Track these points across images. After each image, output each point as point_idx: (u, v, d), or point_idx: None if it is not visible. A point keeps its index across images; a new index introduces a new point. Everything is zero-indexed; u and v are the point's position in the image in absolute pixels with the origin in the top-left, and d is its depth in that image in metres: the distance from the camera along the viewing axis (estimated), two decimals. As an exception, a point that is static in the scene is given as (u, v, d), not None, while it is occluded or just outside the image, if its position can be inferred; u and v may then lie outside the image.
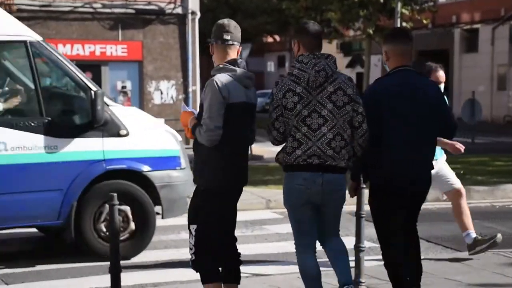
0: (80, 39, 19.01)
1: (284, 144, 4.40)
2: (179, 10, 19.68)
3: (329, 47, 39.33)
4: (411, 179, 4.36)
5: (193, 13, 19.82)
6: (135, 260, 6.86)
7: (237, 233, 8.11)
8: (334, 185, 4.32)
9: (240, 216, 9.39)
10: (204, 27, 25.72)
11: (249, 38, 31.27)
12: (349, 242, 6.17)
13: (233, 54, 4.43)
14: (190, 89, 20.11)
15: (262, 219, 9.00)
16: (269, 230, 8.38)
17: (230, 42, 4.41)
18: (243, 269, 6.48)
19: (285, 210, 10.04)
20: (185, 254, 7.07)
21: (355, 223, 5.74)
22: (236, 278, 4.63)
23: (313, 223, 4.43)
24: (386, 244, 4.53)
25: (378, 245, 7.30)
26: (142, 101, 19.27)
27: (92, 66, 19.19)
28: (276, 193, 10.28)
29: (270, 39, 47.12)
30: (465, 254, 6.67)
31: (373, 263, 6.36)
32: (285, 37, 44.48)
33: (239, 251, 4.67)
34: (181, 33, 19.85)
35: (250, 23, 32.07)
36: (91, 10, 18.97)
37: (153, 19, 19.61)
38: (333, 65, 4.36)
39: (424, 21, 25.31)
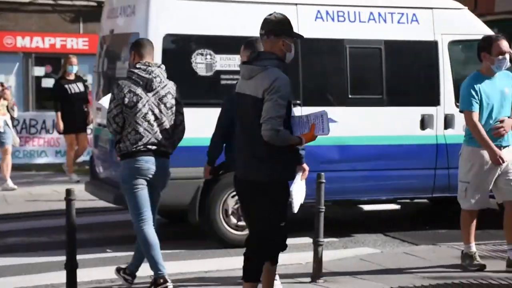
0: (40, 31, 18.71)
1: (122, 136, 5.16)
2: (141, 3, 19.55)
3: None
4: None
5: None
6: (92, 255, 6.80)
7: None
8: (165, 167, 5.26)
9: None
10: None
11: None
12: (308, 236, 6.26)
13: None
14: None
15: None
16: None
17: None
18: (202, 264, 6.52)
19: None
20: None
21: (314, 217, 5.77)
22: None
23: (148, 199, 5.22)
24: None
25: (336, 240, 7.45)
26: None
27: (52, 59, 18.88)
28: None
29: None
30: (421, 248, 6.79)
31: (332, 257, 6.43)
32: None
33: None
34: (143, 27, 19.69)
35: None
36: (51, 2, 18.69)
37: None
38: (164, 72, 5.26)
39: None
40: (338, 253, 6.85)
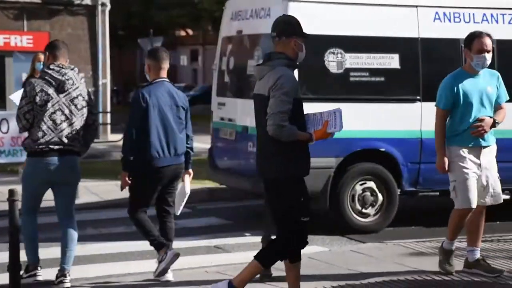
0: (-17, 28, 18.26)
1: (31, 132, 5.37)
2: (88, 1, 19.22)
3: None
4: None
5: (103, 4, 19.41)
6: (47, 256, 6.66)
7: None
8: (72, 165, 5.49)
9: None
10: (115, 19, 25.28)
11: (162, 31, 30.94)
12: (257, 234, 6.28)
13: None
14: (100, 82, 19.72)
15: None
16: (178, 224, 8.30)
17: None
18: (150, 265, 6.47)
19: (194, 204, 10.06)
20: (91, 250, 6.96)
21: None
22: None
23: (40, 198, 5.61)
24: None
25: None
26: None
27: (-4, 56, 18.49)
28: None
29: (182, 33, 46.83)
30: (368, 246, 6.88)
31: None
32: (198, 31, 44.30)
33: None
34: (91, 25, 19.41)
35: (163, 16, 31.73)
36: (-6, -2, 18.26)
37: (60, 10, 19.07)
38: (77, 75, 5.50)
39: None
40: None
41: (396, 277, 5.52)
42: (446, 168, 5.45)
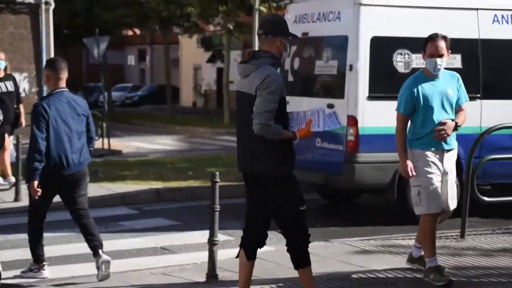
0: None
1: None
2: (31, 0, 18.85)
3: (189, 42, 39.42)
4: None
5: (47, 3, 19.04)
6: None
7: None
8: None
9: (95, 213, 9.20)
10: (59, 18, 24.80)
11: (108, 30, 30.53)
12: (204, 236, 6.26)
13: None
14: (44, 82, 19.34)
15: (118, 215, 8.87)
16: (124, 226, 8.27)
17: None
18: (94, 267, 6.38)
19: (140, 205, 9.96)
20: (53, 251, 6.82)
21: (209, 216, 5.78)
22: None
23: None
24: None
25: (232, 238, 7.50)
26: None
27: None
28: (132, 188, 10.15)
29: (130, 32, 46.34)
30: (314, 244, 6.93)
31: (228, 256, 6.45)
32: (145, 31, 43.90)
33: None
34: (34, 24, 19.01)
35: (109, 15, 31.32)
36: None
37: (2, 8, 18.63)
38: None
39: (281, 19, 25.97)
40: (234, 252, 6.86)
41: (342, 276, 5.59)
42: (411, 173, 5.34)
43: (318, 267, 5.91)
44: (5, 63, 10.05)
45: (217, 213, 5.80)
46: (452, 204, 5.52)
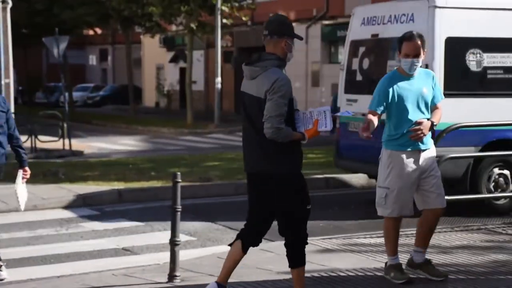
0: None
1: None
2: (-12, -2, 18.50)
3: (152, 42, 39.15)
4: None
5: (4, 1, 18.70)
6: None
7: (51, 231, 7.91)
8: None
9: (55, 214, 9.09)
10: (18, 17, 24.40)
11: (68, 30, 30.12)
12: (167, 236, 6.23)
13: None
14: (2, 82, 19.00)
15: (79, 217, 8.76)
16: (85, 227, 8.18)
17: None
18: (55, 268, 6.31)
19: (102, 206, 9.87)
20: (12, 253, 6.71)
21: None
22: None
23: None
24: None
25: (195, 239, 7.48)
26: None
27: None
28: (93, 189, 10.05)
29: (91, 32, 45.82)
30: (277, 244, 6.95)
31: (190, 256, 6.44)
32: (107, 30, 43.46)
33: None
34: (-8, 22, 18.66)
35: (68, 14, 30.90)
36: None
37: (-42, 6, 18.26)
38: None
39: (244, 18, 26.00)
40: (196, 252, 6.87)
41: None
42: (365, 133, 5.12)
43: (280, 266, 5.93)
44: None
45: (179, 213, 5.77)
46: (441, 201, 5.40)
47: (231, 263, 4.96)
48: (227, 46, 31.52)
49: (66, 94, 22.96)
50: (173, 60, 39.37)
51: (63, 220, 8.43)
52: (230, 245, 5.01)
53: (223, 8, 24.52)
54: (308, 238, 6.89)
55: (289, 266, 4.89)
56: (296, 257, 4.84)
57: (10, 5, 18.96)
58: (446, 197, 5.52)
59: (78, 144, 18.45)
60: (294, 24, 24.29)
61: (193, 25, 25.36)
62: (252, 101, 4.63)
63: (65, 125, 17.13)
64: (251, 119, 4.67)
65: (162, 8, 24.85)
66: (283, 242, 6.96)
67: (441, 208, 5.44)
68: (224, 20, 24.95)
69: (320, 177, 11.17)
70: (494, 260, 6.02)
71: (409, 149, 5.30)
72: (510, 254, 6.22)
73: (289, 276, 5.55)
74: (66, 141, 17.00)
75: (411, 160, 5.29)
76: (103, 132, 24.46)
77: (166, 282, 5.54)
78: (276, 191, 4.67)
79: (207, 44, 33.66)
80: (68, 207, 9.29)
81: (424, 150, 5.34)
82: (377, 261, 5.97)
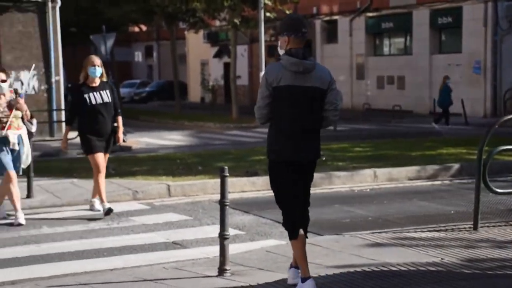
0: None
1: None
2: (38, -2, 18.92)
3: (196, 37, 39.40)
4: None
5: (53, 1, 19.11)
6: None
7: (103, 225, 8.06)
8: None
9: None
10: (66, 16, 24.81)
11: (115, 27, 30.56)
12: (215, 230, 6.28)
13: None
14: (53, 79, 19.41)
15: (129, 211, 8.90)
16: (136, 221, 8.30)
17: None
18: (108, 262, 6.44)
19: (151, 200, 10.00)
20: (46, 249, 6.89)
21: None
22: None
23: None
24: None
25: (243, 233, 7.53)
26: None
27: None
28: (143, 184, 10.19)
29: (136, 29, 46.36)
30: (325, 238, 6.95)
31: (239, 250, 6.48)
32: (151, 27, 43.91)
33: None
34: (41, 22, 19.09)
35: (115, 12, 31.34)
36: None
37: (9, 7, 18.70)
38: None
39: (287, 12, 25.91)
40: (244, 246, 6.91)
41: (353, 269, 5.59)
42: None
43: (329, 260, 5.94)
44: (101, 69, 8.56)
45: (227, 207, 5.80)
46: None
47: (304, 253, 5.07)
48: (270, 40, 31.51)
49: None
50: (217, 55, 39.56)
51: (114, 214, 8.57)
52: (293, 239, 5.07)
53: (266, 2, 24.50)
54: (357, 232, 6.97)
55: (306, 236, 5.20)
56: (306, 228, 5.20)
57: (59, 4, 19.35)
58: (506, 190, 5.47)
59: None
60: (337, 16, 24.64)
61: (236, 20, 25.42)
62: (315, 93, 4.93)
63: (113, 121, 17.35)
64: (309, 110, 4.93)
65: (205, 3, 24.98)
66: (332, 235, 7.01)
67: None
68: (268, 14, 24.93)
69: (368, 170, 11.10)
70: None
71: None
72: None
73: (339, 271, 5.55)
74: (114, 136, 17.22)
75: None
76: (150, 128, 24.75)
77: (217, 276, 5.58)
78: (312, 173, 5.16)
79: (250, 38, 33.72)
80: (118, 201, 9.45)
81: None
82: (429, 256, 5.91)
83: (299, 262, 5.03)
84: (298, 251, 5.04)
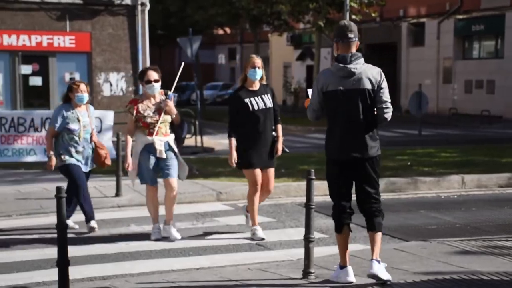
0: (26, 29, 18.61)
1: None
2: (128, 1, 19.46)
3: (279, 40, 39.54)
4: None
5: (142, 4, 19.63)
6: (84, 253, 6.78)
7: (187, 225, 8.19)
8: None
9: (191, 209, 9.42)
10: (154, 19, 25.46)
11: (200, 30, 31.09)
12: (299, 233, 6.26)
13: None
14: (140, 81, 19.90)
15: (213, 211, 9.01)
16: (220, 222, 8.40)
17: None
18: (194, 261, 6.54)
19: (235, 202, 10.09)
20: (135, 247, 7.07)
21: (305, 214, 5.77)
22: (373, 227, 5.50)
23: None
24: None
25: (327, 236, 7.47)
26: (91, 93, 18.98)
27: (39, 57, 18.80)
28: (227, 185, 10.29)
29: (221, 32, 47.00)
30: (411, 244, 6.81)
31: (323, 254, 6.43)
32: (235, 30, 44.41)
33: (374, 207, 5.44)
34: (131, 25, 19.64)
35: (201, 15, 31.89)
36: (37, 0, 18.59)
37: (101, 10, 19.35)
38: None
39: (373, 15, 25.64)
40: (329, 249, 6.86)
41: (442, 276, 5.45)
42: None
43: (416, 266, 5.81)
44: (262, 71, 7.49)
45: (313, 210, 5.77)
46: None
47: (346, 245, 5.49)
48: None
49: (198, 92, 23.68)
50: (300, 58, 39.53)
51: (198, 214, 8.70)
52: (339, 232, 5.48)
53: (352, 4, 24.30)
54: (444, 239, 6.79)
55: (376, 230, 5.42)
56: (374, 222, 5.41)
57: (148, 7, 19.86)
58: None
59: (208, 141, 18.97)
60: (425, 19, 24.27)
61: (321, 23, 25.33)
62: (362, 95, 5.25)
63: (197, 122, 17.65)
64: (357, 111, 5.26)
65: (290, 6, 25.02)
66: (418, 241, 6.86)
67: None
68: (353, 17, 24.72)
69: (455, 176, 10.80)
70: None
71: None
72: None
73: (427, 278, 5.43)
74: (198, 138, 17.51)
75: None
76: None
77: (301, 278, 5.57)
78: (372, 170, 5.37)
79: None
80: (202, 201, 9.58)
81: None
82: (522, 266, 5.69)
83: (340, 252, 5.49)
84: (340, 242, 5.49)
